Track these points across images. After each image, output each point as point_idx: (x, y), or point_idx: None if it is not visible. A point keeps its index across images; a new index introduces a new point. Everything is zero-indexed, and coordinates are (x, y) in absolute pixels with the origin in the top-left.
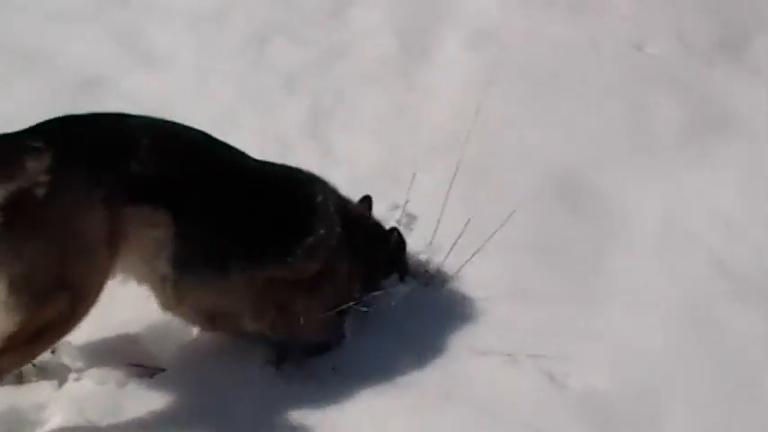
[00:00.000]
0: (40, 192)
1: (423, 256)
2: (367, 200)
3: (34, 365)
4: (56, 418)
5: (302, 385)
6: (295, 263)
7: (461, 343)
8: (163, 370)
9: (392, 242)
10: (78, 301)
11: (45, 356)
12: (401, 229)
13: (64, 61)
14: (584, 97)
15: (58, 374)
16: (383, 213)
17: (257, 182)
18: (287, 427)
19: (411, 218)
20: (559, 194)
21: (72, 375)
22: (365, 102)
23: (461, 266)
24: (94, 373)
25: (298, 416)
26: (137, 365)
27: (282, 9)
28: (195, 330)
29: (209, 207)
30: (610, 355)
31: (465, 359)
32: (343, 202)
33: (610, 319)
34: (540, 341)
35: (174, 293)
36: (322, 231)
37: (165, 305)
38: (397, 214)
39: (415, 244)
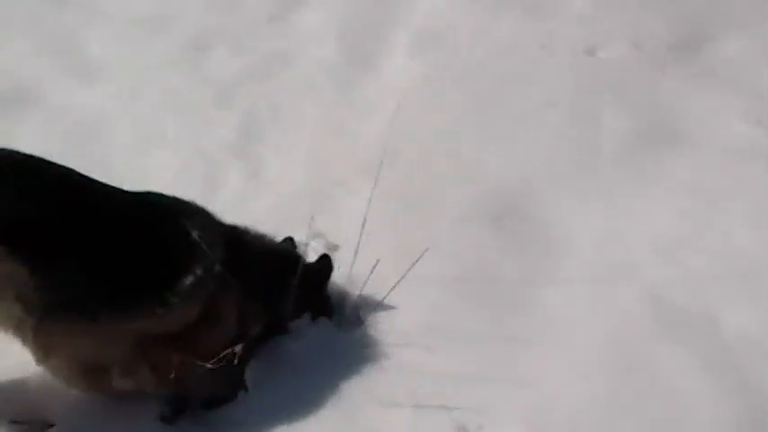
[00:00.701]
0: None
1: (340, 291)
2: (289, 240)
3: None
4: None
5: None
6: (166, 313)
7: (370, 393)
8: (51, 425)
9: (311, 274)
10: None
11: None
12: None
13: None
14: (527, 107)
15: None
16: (305, 242)
17: (125, 220)
18: None
19: (333, 247)
20: (492, 218)
21: None
22: (301, 117)
23: (377, 305)
24: None
25: None
26: (19, 423)
27: (223, 13)
28: None
29: (70, 249)
30: (530, 404)
31: (372, 411)
32: (235, 233)
33: (533, 363)
34: (455, 389)
35: (36, 342)
36: (198, 272)
37: (36, 358)
38: (320, 243)
39: (334, 277)
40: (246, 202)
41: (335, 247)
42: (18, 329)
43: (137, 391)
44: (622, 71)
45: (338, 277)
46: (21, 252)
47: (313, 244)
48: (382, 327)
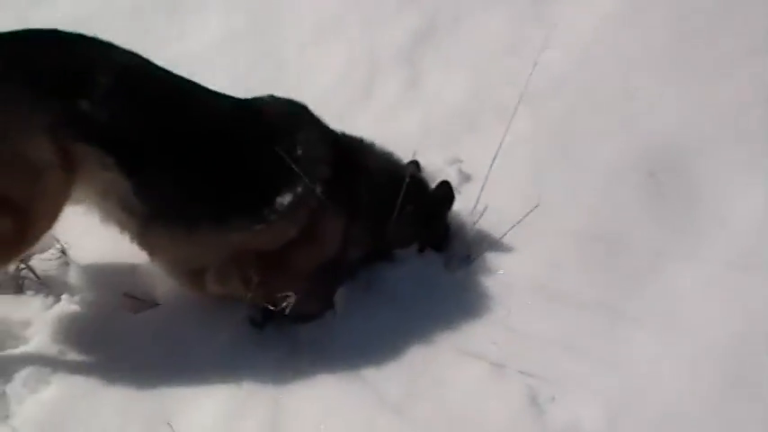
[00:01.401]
0: None
1: (456, 226)
2: (414, 164)
3: (38, 278)
4: (37, 338)
5: (275, 351)
6: (263, 230)
7: (453, 339)
8: (156, 305)
9: (429, 202)
10: (23, 219)
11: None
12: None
13: None
14: (725, 55)
15: (54, 291)
16: (441, 166)
17: (229, 134)
18: (240, 388)
19: (465, 177)
20: (643, 175)
21: (65, 296)
22: (480, 32)
23: (490, 248)
24: (86, 297)
25: (255, 381)
26: (131, 297)
27: None
28: None
29: (173, 161)
30: (614, 388)
31: (449, 358)
32: (349, 151)
33: (634, 345)
34: (541, 354)
35: (140, 243)
36: (298, 191)
37: (141, 250)
38: (454, 170)
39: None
40: (398, 112)
41: (468, 178)
42: (124, 231)
43: (230, 296)
44: None
45: (460, 210)
46: (125, 164)
47: (448, 170)
48: (488, 273)
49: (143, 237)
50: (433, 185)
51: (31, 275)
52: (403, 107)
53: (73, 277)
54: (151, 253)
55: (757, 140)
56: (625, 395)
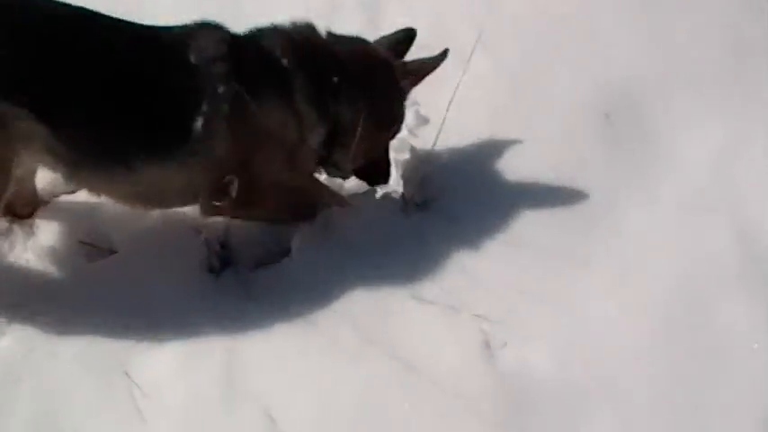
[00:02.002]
0: None
1: (414, 169)
2: (406, 31)
3: None
4: None
5: (231, 297)
6: (195, 162)
7: (409, 285)
8: (114, 252)
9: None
10: None
11: None
12: (405, 133)
13: None
14: None
15: (7, 239)
16: None
17: (130, 62)
18: (197, 336)
19: (423, 120)
20: (599, 119)
21: (18, 244)
22: None
23: (448, 192)
24: (40, 244)
25: (211, 328)
26: (87, 244)
27: None
28: (154, 214)
29: (79, 98)
30: (566, 330)
31: (405, 303)
32: (261, 33)
33: (589, 287)
34: (495, 299)
35: (81, 186)
36: (205, 106)
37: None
38: (410, 113)
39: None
40: None
41: (425, 120)
42: (61, 175)
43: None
44: None
45: (421, 155)
46: (37, 110)
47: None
48: (445, 217)
49: (81, 181)
50: None
51: None
52: None
53: (26, 224)
54: (96, 193)
55: (714, 83)
56: (574, 338)
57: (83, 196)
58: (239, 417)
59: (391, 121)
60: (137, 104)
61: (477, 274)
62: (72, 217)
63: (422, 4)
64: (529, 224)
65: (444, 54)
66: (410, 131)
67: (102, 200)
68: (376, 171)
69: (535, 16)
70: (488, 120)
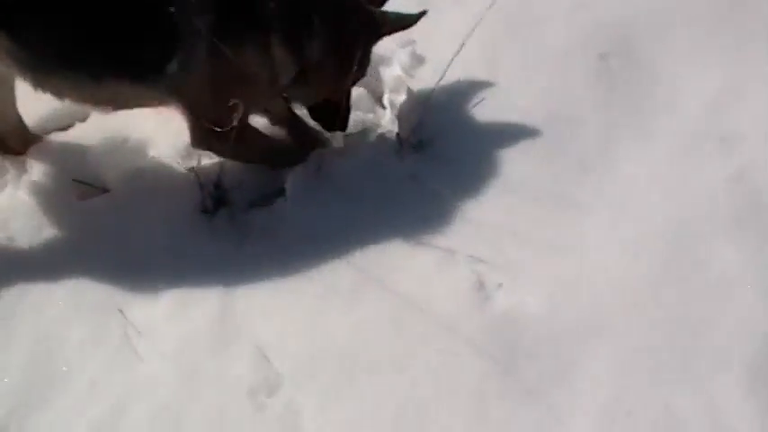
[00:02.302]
0: None
1: (410, 110)
2: None
3: None
4: None
5: (225, 239)
6: (170, 86)
7: (403, 229)
8: (107, 191)
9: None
10: None
11: None
12: (401, 73)
13: None
14: None
15: None
16: (392, 48)
17: None
18: (192, 276)
19: (419, 59)
20: (594, 60)
21: (10, 182)
22: None
23: (444, 134)
24: (34, 182)
25: (206, 269)
26: (80, 182)
27: None
28: (148, 154)
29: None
30: (559, 273)
31: (399, 248)
32: None
33: (584, 231)
34: (490, 242)
35: (47, 90)
36: (188, 34)
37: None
38: (406, 53)
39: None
40: None
41: (421, 60)
42: (25, 81)
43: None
44: None
45: (417, 97)
46: None
47: (400, 52)
48: (440, 160)
49: (47, 86)
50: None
51: None
52: None
53: (17, 163)
54: (60, 97)
55: (712, 23)
56: (568, 280)
57: (74, 134)
58: (233, 356)
59: (359, 65)
60: (111, 20)
61: (472, 216)
62: (64, 155)
63: None
64: (524, 166)
65: (422, 14)
66: (406, 71)
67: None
68: (333, 116)
69: None
70: (484, 60)
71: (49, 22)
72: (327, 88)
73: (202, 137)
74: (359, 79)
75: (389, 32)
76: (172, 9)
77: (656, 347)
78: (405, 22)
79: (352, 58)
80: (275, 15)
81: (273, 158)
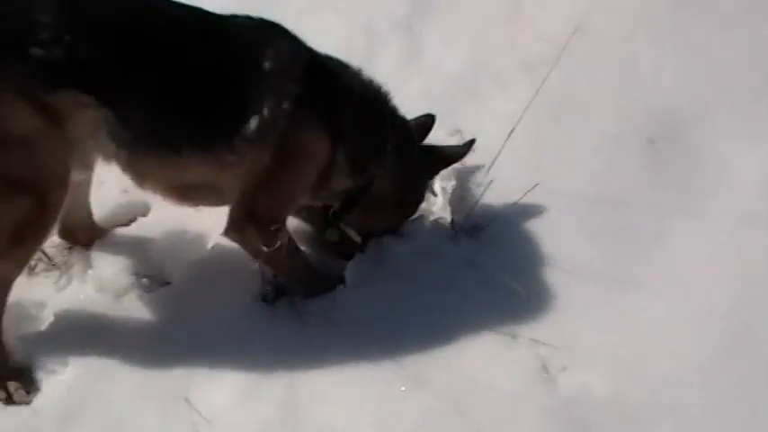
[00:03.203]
0: None
1: (462, 197)
2: (429, 117)
3: (49, 259)
4: (53, 319)
5: (288, 326)
6: (237, 160)
7: (462, 312)
8: (167, 283)
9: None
10: (37, 192)
11: (57, 255)
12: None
13: None
14: (723, 18)
15: (65, 272)
16: (441, 137)
17: (199, 49)
18: (256, 365)
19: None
20: (644, 145)
21: (76, 277)
22: None
23: (497, 218)
24: (98, 277)
25: (269, 357)
26: (142, 274)
27: None
28: (207, 246)
29: (143, 84)
30: (621, 353)
31: (459, 332)
32: (332, 68)
33: (639, 311)
34: (551, 323)
35: (132, 172)
36: (266, 112)
37: (134, 183)
38: (456, 141)
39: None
40: (397, 82)
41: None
42: (116, 162)
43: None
44: None
45: (468, 183)
46: (101, 97)
47: (449, 141)
48: (496, 244)
49: (134, 165)
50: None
51: (43, 257)
52: (403, 77)
53: (83, 258)
54: (143, 181)
55: (756, 101)
56: (631, 360)
57: (135, 230)
58: None
59: (417, 202)
60: (197, 92)
61: (530, 299)
62: (127, 249)
63: (460, 31)
64: (577, 248)
65: (471, 143)
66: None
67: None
68: (352, 245)
69: (577, 42)
70: (532, 146)
71: (149, 100)
72: (383, 218)
73: (241, 226)
74: (411, 215)
75: (445, 167)
76: (255, 91)
77: (722, 424)
78: (457, 155)
79: (417, 195)
80: (350, 128)
81: (301, 277)
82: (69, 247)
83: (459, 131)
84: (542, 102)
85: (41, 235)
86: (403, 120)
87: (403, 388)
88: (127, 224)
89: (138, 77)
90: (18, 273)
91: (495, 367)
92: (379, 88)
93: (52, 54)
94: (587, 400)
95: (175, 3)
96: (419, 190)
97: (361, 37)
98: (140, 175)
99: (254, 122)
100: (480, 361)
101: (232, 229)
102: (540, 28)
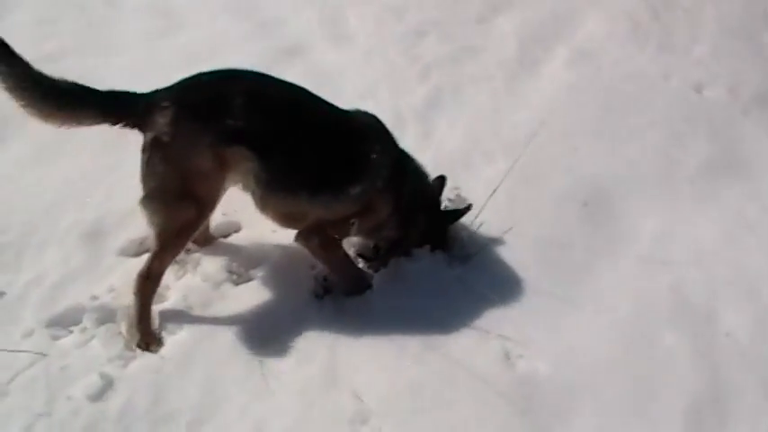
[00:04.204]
0: (166, 138)
1: (457, 236)
2: (440, 179)
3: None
4: (173, 298)
5: (331, 315)
6: (338, 208)
7: (453, 315)
8: (251, 280)
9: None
10: (201, 206)
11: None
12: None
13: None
14: (638, 123)
15: (182, 267)
16: (445, 194)
17: (328, 134)
18: (305, 338)
19: (463, 202)
20: (580, 206)
21: (189, 270)
22: (474, 98)
23: (481, 251)
24: (204, 270)
25: (316, 335)
26: (234, 272)
27: (444, 9)
28: (278, 256)
29: (287, 149)
30: (560, 348)
31: (449, 328)
32: (403, 161)
33: (572, 319)
34: (515, 326)
35: (260, 202)
36: (366, 184)
37: (258, 208)
38: (452, 196)
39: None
40: (415, 154)
41: (464, 201)
42: (253, 195)
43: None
44: (717, 109)
45: (462, 226)
46: (257, 151)
47: (451, 196)
48: (479, 268)
49: (264, 198)
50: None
51: None
52: (419, 151)
53: (193, 258)
54: (264, 208)
55: (655, 181)
56: (566, 352)
57: (230, 241)
58: (338, 394)
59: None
60: (320, 160)
61: (500, 306)
62: (224, 254)
63: (459, 119)
64: (534, 273)
65: (468, 207)
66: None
67: (266, 219)
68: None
69: (542, 131)
70: (508, 202)
71: (287, 160)
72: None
73: (308, 237)
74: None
75: (451, 224)
76: (363, 170)
77: (621, 394)
78: (459, 214)
79: (437, 240)
80: (406, 202)
81: (346, 274)
82: (187, 250)
83: (457, 188)
84: (516, 172)
85: (191, 236)
86: (433, 192)
87: (408, 361)
88: (225, 236)
89: (283, 145)
90: (171, 262)
91: (473, 353)
92: (425, 173)
93: (237, 124)
94: (536, 379)
95: (319, 99)
96: (439, 237)
97: (393, 120)
98: (265, 205)
99: (358, 188)
100: (462, 347)
101: (302, 237)
102: (516, 120)
